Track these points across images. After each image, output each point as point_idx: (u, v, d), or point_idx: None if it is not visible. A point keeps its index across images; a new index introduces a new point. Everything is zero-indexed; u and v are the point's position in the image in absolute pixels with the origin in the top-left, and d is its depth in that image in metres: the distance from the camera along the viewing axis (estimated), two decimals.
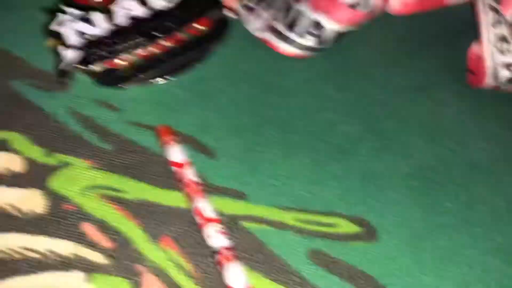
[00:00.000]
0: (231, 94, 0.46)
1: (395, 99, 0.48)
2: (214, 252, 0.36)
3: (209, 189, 0.39)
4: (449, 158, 0.44)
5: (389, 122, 0.46)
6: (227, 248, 0.35)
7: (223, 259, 0.35)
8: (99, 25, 0.44)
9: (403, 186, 0.41)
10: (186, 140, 0.42)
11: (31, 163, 0.40)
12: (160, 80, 0.46)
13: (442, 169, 0.43)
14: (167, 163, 0.40)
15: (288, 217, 0.39)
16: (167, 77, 0.46)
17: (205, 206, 0.37)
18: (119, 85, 0.45)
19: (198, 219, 0.37)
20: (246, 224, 0.38)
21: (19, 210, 0.37)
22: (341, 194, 0.40)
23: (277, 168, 0.41)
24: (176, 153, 0.40)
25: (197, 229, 0.37)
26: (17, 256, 0.35)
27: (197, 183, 0.39)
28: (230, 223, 0.38)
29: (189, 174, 0.39)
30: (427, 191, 0.41)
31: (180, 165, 0.39)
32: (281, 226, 0.38)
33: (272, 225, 0.38)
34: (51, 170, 0.39)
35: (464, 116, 0.47)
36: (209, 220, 0.37)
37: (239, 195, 0.39)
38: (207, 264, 0.36)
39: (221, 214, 0.38)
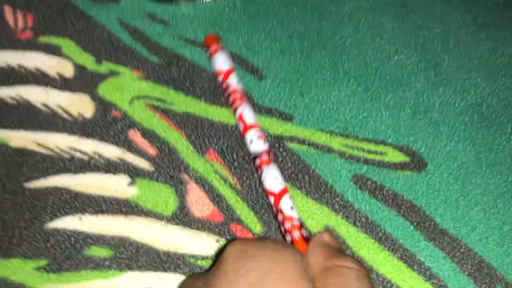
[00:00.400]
0: (282, 17, 0.45)
1: (455, 34, 0.45)
2: (254, 157, 0.35)
3: (255, 108, 0.39)
4: (508, 98, 0.42)
5: (447, 57, 0.43)
6: (266, 152, 0.35)
7: (262, 163, 0.34)
8: None
9: (457, 121, 0.40)
10: (233, 59, 0.41)
11: (82, 69, 0.40)
12: None
13: (500, 108, 0.41)
14: (214, 76, 0.40)
15: (335, 142, 0.38)
16: None
17: (248, 113, 0.37)
18: (171, 0, 0.44)
19: (240, 125, 0.36)
20: (291, 145, 0.37)
21: (69, 113, 0.38)
22: (392, 124, 0.39)
23: (326, 93, 0.40)
24: (221, 61, 0.39)
25: (241, 137, 0.37)
26: (65, 155, 0.36)
27: (241, 91, 0.38)
28: (275, 144, 0.37)
29: (234, 82, 0.38)
30: (481, 128, 0.40)
31: (225, 73, 0.39)
32: (327, 149, 0.37)
33: (318, 148, 0.37)
34: (100, 77, 0.39)
35: None
36: (251, 126, 0.36)
37: (285, 117, 0.39)
38: (251, 179, 0.35)
39: (266, 134, 0.37)
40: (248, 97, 0.39)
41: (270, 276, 0.23)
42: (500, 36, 0.46)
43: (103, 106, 0.38)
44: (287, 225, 0.31)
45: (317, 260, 0.26)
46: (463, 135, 0.39)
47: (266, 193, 0.34)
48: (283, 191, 0.33)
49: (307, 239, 0.30)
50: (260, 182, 0.34)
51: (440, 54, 0.44)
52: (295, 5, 0.46)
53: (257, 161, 0.35)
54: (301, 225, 0.31)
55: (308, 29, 0.44)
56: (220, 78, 0.39)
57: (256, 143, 0.35)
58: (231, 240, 0.27)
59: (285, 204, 0.32)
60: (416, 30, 0.45)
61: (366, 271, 0.25)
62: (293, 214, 0.32)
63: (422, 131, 0.39)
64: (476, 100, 0.41)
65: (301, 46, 0.43)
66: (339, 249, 0.28)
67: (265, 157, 0.34)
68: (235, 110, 0.37)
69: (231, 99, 0.38)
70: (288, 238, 0.31)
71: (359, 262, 0.26)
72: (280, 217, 0.32)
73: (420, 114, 0.40)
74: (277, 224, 0.34)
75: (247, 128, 0.36)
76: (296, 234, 0.30)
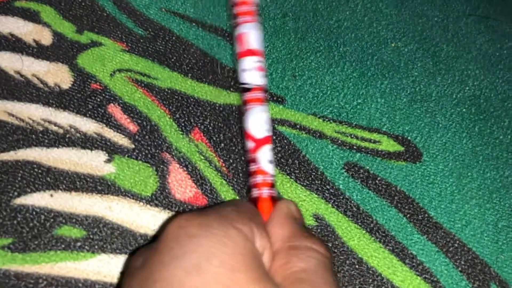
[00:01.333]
0: None
1: (454, 24, 0.44)
2: (243, 90, 0.29)
3: None
4: (507, 91, 0.40)
5: (445, 46, 0.42)
6: (262, 89, 0.29)
7: (252, 100, 0.28)
8: None
9: (454, 112, 0.38)
10: (224, 36, 0.39)
11: (61, 38, 0.37)
12: None
13: (497, 101, 0.40)
14: (202, 55, 0.37)
15: (328, 128, 0.36)
16: None
17: (253, 35, 0.29)
18: None
19: (238, 47, 0.30)
20: (281, 128, 0.35)
21: (44, 83, 0.35)
22: (387, 111, 0.37)
23: (320, 76, 0.38)
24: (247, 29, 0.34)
25: (232, 123, 0.34)
26: (38, 127, 0.33)
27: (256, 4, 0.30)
28: None
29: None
30: (478, 120, 0.38)
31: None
32: (319, 135, 0.35)
33: (310, 133, 0.35)
34: (81, 47, 0.37)
35: None
36: (252, 52, 0.29)
37: (277, 99, 0.37)
38: (238, 162, 0.33)
39: None
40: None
41: (210, 262, 0.19)
42: (499, 28, 0.45)
43: (82, 77, 0.35)
44: (258, 178, 0.27)
45: (282, 233, 0.23)
46: (459, 126, 0.38)
47: (245, 136, 0.28)
48: (266, 139, 0.28)
49: (274, 201, 0.26)
50: (242, 122, 0.29)
51: (439, 43, 0.42)
52: None
53: (246, 96, 0.29)
54: (273, 185, 0.27)
55: (304, 10, 0.42)
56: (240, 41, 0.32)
57: (252, 74, 0.29)
58: (175, 214, 0.22)
59: (264, 155, 0.27)
60: (415, 18, 0.44)
61: (331, 256, 0.23)
62: (269, 169, 0.27)
63: (418, 120, 0.37)
64: (474, 92, 0.40)
65: (296, 27, 0.41)
66: (304, 225, 0.25)
67: (258, 94, 0.28)
68: (235, 26, 0.30)
69: (235, 11, 0.30)
70: (255, 193, 0.27)
71: (326, 244, 0.23)
72: (253, 167, 0.27)
73: (417, 103, 0.38)
74: (247, 174, 0.31)
75: (247, 53, 0.29)
76: (265, 191, 0.27)
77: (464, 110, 0.38)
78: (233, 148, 0.34)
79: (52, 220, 0.30)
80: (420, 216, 0.33)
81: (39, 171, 0.32)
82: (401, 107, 0.38)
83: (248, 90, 0.29)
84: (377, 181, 0.34)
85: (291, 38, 0.40)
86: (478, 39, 0.43)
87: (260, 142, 0.28)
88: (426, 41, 0.42)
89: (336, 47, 0.40)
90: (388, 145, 0.36)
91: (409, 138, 0.36)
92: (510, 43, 0.44)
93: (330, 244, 0.31)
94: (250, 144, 0.28)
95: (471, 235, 0.33)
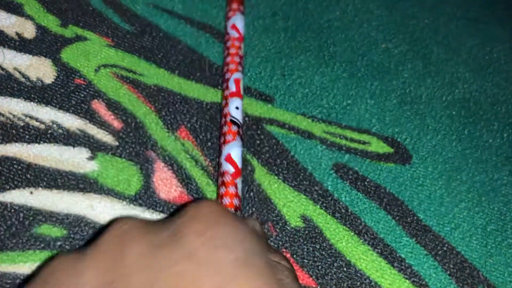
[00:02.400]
0: None
1: (445, 26, 0.43)
2: (234, 123, 0.32)
3: None
4: (496, 95, 0.40)
5: (435, 48, 0.42)
6: (236, 123, 0.32)
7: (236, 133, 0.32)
8: None
9: (444, 114, 0.38)
10: (213, 33, 0.38)
11: (44, 31, 0.36)
12: None
13: (487, 105, 0.39)
14: (190, 52, 0.37)
15: (316, 128, 0.35)
16: None
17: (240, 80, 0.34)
18: None
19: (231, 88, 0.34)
20: (270, 128, 0.35)
21: (26, 77, 0.34)
22: (377, 113, 0.37)
23: (310, 76, 0.38)
24: (239, 23, 0.36)
25: (218, 122, 0.34)
26: (19, 122, 0.32)
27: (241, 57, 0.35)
28: (252, 125, 0.34)
29: (241, 49, 0.36)
30: (468, 123, 0.38)
31: (239, 38, 0.36)
32: (307, 135, 0.35)
33: (298, 133, 0.35)
34: (65, 41, 0.36)
35: None
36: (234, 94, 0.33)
37: (265, 98, 0.36)
38: None
39: (246, 115, 0.35)
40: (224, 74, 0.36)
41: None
42: (489, 32, 0.45)
43: (66, 72, 0.34)
44: (226, 178, 0.29)
45: None
46: (449, 129, 0.37)
47: (226, 159, 0.31)
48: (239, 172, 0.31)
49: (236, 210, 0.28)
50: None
51: (429, 46, 0.42)
52: None
53: (233, 128, 0.32)
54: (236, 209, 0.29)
55: (294, 9, 0.42)
56: (230, 39, 0.36)
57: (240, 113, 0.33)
58: (121, 217, 0.21)
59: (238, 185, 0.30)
60: (405, 20, 0.43)
61: (294, 271, 0.22)
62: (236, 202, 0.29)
63: (408, 122, 0.37)
64: (464, 95, 0.40)
65: (285, 26, 0.40)
66: (267, 241, 0.25)
67: (232, 128, 0.32)
68: (226, 72, 0.34)
69: (228, 55, 0.35)
70: (221, 191, 0.29)
71: (288, 260, 0.23)
72: (224, 167, 0.30)
73: (406, 105, 0.38)
74: (217, 169, 0.31)
75: (237, 94, 0.33)
76: (235, 202, 0.28)
77: (454, 113, 0.38)
78: (218, 146, 0.33)
79: (31, 218, 0.29)
80: (409, 219, 0.32)
81: (19, 167, 0.30)
82: (390, 109, 0.37)
83: (238, 125, 0.32)
84: (366, 183, 0.33)
85: (280, 37, 0.39)
86: (468, 42, 0.43)
87: (238, 172, 0.30)
88: (417, 43, 0.42)
89: (326, 47, 0.40)
90: (377, 146, 0.35)
91: (398, 140, 0.36)
92: (499, 47, 0.44)
93: (317, 246, 0.31)
94: (230, 169, 0.30)
95: (460, 239, 0.32)
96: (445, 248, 0.32)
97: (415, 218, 0.33)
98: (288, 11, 0.41)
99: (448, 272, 0.31)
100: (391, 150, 0.35)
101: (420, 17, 0.44)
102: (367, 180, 0.34)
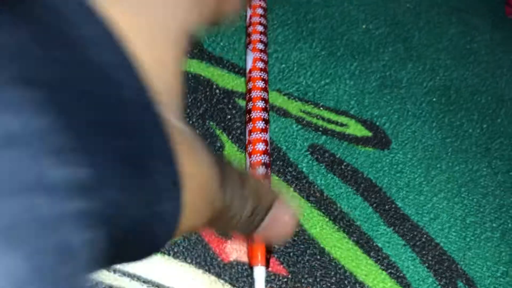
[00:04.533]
0: None
1: (426, 12, 0.42)
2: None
3: (207, 57, 0.33)
4: (476, 85, 0.39)
5: (417, 33, 0.40)
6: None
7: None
8: None
9: (424, 100, 0.36)
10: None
11: None
12: None
13: (468, 94, 0.38)
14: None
15: (292, 106, 0.33)
16: None
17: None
18: None
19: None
20: (242, 102, 0.32)
21: None
22: (356, 94, 0.35)
23: (287, 51, 0.35)
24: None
25: (192, 93, 0.30)
26: None
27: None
28: (223, 98, 0.31)
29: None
30: (448, 111, 0.36)
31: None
32: (282, 113, 0.32)
33: (273, 110, 0.32)
34: None
35: (496, 46, 0.42)
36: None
37: (238, 70, 0.33)
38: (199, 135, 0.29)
39: (216, 87, 0.32)
40: (199, 43, 0.33)
41: None
42: (470, 21, 0.43)
43: None
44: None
45: None
46: (429, 116, 0.36)
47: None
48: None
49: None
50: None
51: (411, 30, 0.40)
52: None
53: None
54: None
55: None
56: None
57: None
58: None
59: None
60: (387, 2, 0.41)
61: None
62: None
63: (388, 106, 0.35)
64: (445, 83, 0.38)
65: None
66: None
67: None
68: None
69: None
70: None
71: None
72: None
73: (387, 88, 0.36)
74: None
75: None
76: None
77: (434, 99, 0.36)
78: (192, 118, 0.30)
79: None
80: (387, 206, 0.30)
81: None
82: (370, 91, 0.35)
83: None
84: (342, 166, 0.31)
85: None
86: (449, 30, 0.42)
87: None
88: (398, 26, 0.40)
89: (304, 23, 0.37)
90: (355, 129, 0.33)
91: (377, 124, 0.34)
92: (479, 37, 0.42)
93: None
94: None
95: (439, 230, 0.30)
96: (423, 239, 0.30)
97: (393, 206, 0.30)
98: None
99: (427, 265, 0.29)
100: (370, 134, 0.33)
101: (401, 1, 0.42)
102: (344, 163, 0.31)
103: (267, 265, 0.25)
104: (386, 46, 0.38)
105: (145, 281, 0.25)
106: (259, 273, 0.24)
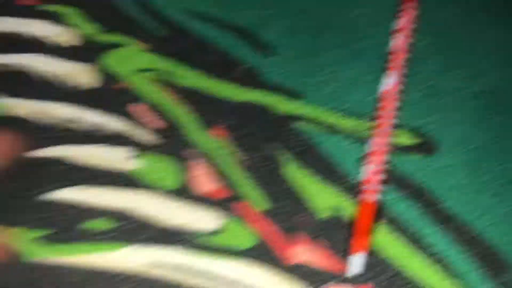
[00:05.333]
0: None
1: (470, 18, 0.44)
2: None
3: (265, 86, 0.38)
4: None
5: (461, 41, 0.42)
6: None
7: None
8: None
9: (470, 106, 0.39)
10: (244, 34, 0.40)
11: (87, 39, 0.39)
12: None
13: None
14: (223, 54, 0.39)
15: (345, 122, 0.37)
16: None
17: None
18: None
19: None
20: (299, 124, 0.36)
21: (72, 83, 0.37)
22: (403, 105, 0.38)
23: (339, 71, 0.39)
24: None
25: (252, 120, 0.36)
26: (67, 125, 0.35)
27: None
28: (282, 121, 0.36)
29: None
30: (495, 114, 0.39)
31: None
32: (336, 130, 0.36)
33: (327, 128, 0.36)
34: (106, 48, 0.38)
35: None
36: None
37: (295, 95, 0.38)
38: (259, 157, 0.34)
39: (274, 111, 0.36)
40: (256, 73, 0.38)
41: None
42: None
43: (108, 77, 0.37)
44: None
45: None
46: (477, 119, 0.38)
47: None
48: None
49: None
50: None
51: (455, 37, 0.43)
52: None
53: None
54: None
55: (316, 11, 0.43)
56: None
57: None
58: None
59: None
60: (430, 13, 0.44)
61: None
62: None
63: (435, 114, 0.38)
64: (490, 86, 0.40)
65: (312, 24, 0.42)
66: None
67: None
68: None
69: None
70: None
71: None
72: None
73: (433, 96, 0.39)
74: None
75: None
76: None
77: (479, 103, 0.39)
78: (254, 142, 0.35)
79: (81, 213, 0.32)
80: (435, 208, 0.34)
81: (70, 167, 0.33)
82: (417, 101, 0.38)
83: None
84: (393, 174, 0.35)
85: (308, 36, 0.41)
86: (493, 35, 0.43)
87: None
88: (441, 34, 0.42)
89: (353, 44, 0.41)
90: (405, 138, 0.36)
91: (425, 131, 0.37)
92: None
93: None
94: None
95: (486, 226, 0.33)
96: (471, 235, 0.33)
97: (441, 206, 0.34)
98: (314, 11, 0.43)
99: (474, 258, 0.32)
100: (418, 141, 0.36)
101: (446, 10, 0.44)
102: (395, 171, 0.35)
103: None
104: (431, 57, 0.41)
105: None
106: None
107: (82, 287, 0.30)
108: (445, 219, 0.33)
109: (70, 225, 0.32)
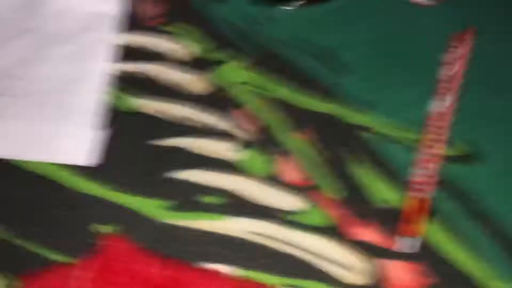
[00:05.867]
0: (367, 23, 0.52)
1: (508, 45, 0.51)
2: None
3: (341, 100, 0.46)
4: None
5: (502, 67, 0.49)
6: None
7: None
8: None
9: None
10: (327, 55, 0.49)
11: (199, 55, 0.49)
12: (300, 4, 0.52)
13: None
14: (307, 72, 0.48)
15: (404, 134, 0.45)
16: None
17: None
18: (273, 4, 0.52)
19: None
20: (367, 132, 0.45)
21: (190, 89, 0.47)
22: (456, 122, 0.46)
23: (403, 91, 0.47)
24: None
25: (328, 127, 0.45)
26: (185, 122, 0.45)
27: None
28: (353, 130, 0.45)
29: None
30: None
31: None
32: (396, 139, 0.45)
33: (389, 137, 0.45)
34: (214, 63, 0.48)
35: None
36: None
37: (365, 108, 0.46)
38: (334, 157, 0.44)
39: (346, 120, 0.45)
40: (334, 89, 0.47)
41: None
42: None
43: (215, 86, 0.47)
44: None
45: None
46: None
47: None
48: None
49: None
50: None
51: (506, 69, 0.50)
52: (382, 12, 0.53)
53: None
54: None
55: (391, 35, 0.51)
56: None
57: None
58: None
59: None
60: (489, 44, 0.52)
61: None
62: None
63: (483, 128, 0.45)
64: None
65: (384, 49, 0.50)
66: None
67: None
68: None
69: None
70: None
71: None
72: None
73: (483, 115, 0.46)
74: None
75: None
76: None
77: None
78: (329, 145, 0.44)
79: (199, 190, 0.42)
80: (485, 216, 0.41)
81: (190, 154, 0.44)
82: (468, 118, 0.46)
83: None
84: (444, 177, 0.43)
85: (380, 59, 0.50)
86: None
87: None
88: (492, 65, 0.50)
89: (417, 68, 0.49)
90: (455, 150, 0.44)
91: (473, 142, 0.45)
92: None
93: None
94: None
95: None
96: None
97: (485, 207, 0.42)
98: (386, 39, 0.51)
99: None
100: (467, 152, 0.44)
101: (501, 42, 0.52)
102: (446, 180, 0.43)
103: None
104: (481, 82, 0.49)
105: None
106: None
107: (199, 243, 0.40)
108: (486, 220, 0.41)
109: (189, 198, 0.42)
